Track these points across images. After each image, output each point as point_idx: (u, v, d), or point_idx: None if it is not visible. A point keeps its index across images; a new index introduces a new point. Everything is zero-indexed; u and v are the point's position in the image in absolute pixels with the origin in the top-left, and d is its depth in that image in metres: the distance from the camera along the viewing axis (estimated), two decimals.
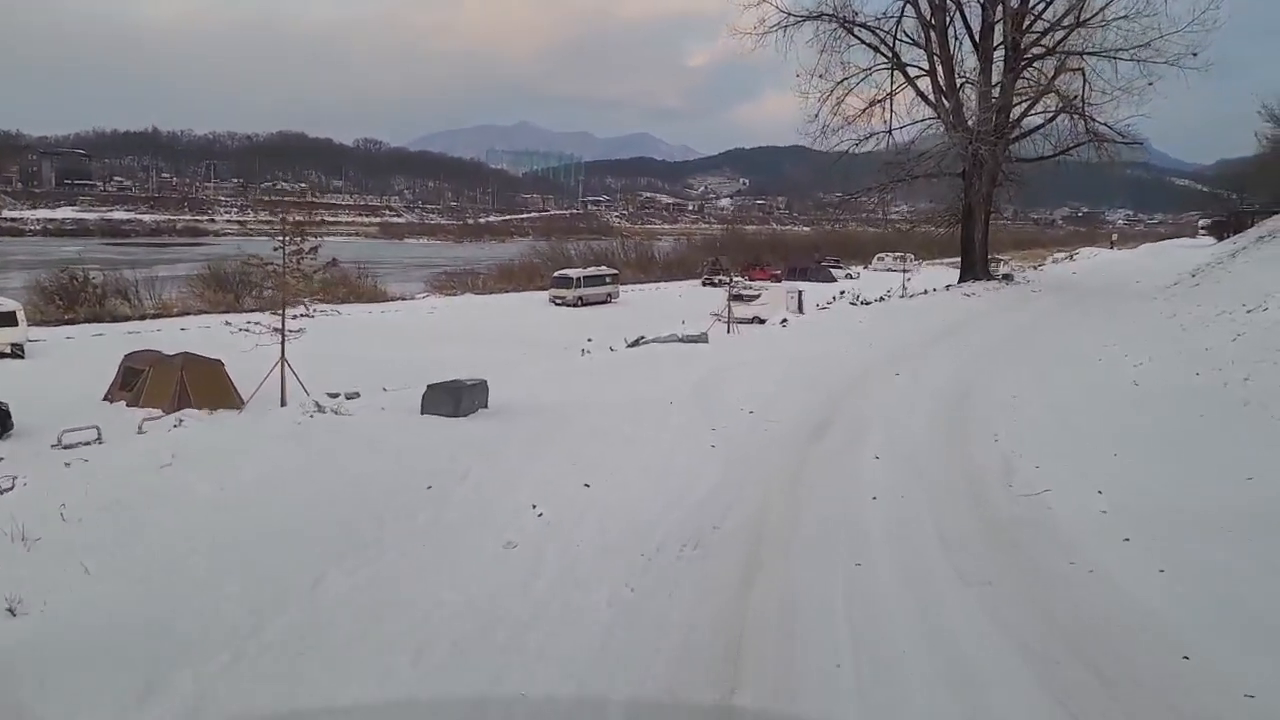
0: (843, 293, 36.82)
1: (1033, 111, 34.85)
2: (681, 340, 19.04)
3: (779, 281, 58.92)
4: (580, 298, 52.92)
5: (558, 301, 52.73)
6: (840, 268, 71.68)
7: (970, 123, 33.78)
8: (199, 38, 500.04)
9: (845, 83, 35.75)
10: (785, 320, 24.40)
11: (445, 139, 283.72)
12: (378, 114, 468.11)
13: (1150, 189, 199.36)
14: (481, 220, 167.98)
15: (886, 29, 35.36)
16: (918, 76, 35.65)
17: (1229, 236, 65.52)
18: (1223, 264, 31.15)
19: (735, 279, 53.74)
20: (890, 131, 36.53)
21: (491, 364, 16.00)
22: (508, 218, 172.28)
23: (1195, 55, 30.82)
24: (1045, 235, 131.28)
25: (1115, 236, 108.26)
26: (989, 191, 35.04)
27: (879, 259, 74.99)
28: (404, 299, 55.30)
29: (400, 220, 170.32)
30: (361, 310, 48.03)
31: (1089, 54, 32.52)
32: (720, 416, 11.66)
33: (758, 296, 44.59)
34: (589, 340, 24.31)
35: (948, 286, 33.43)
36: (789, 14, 35.58)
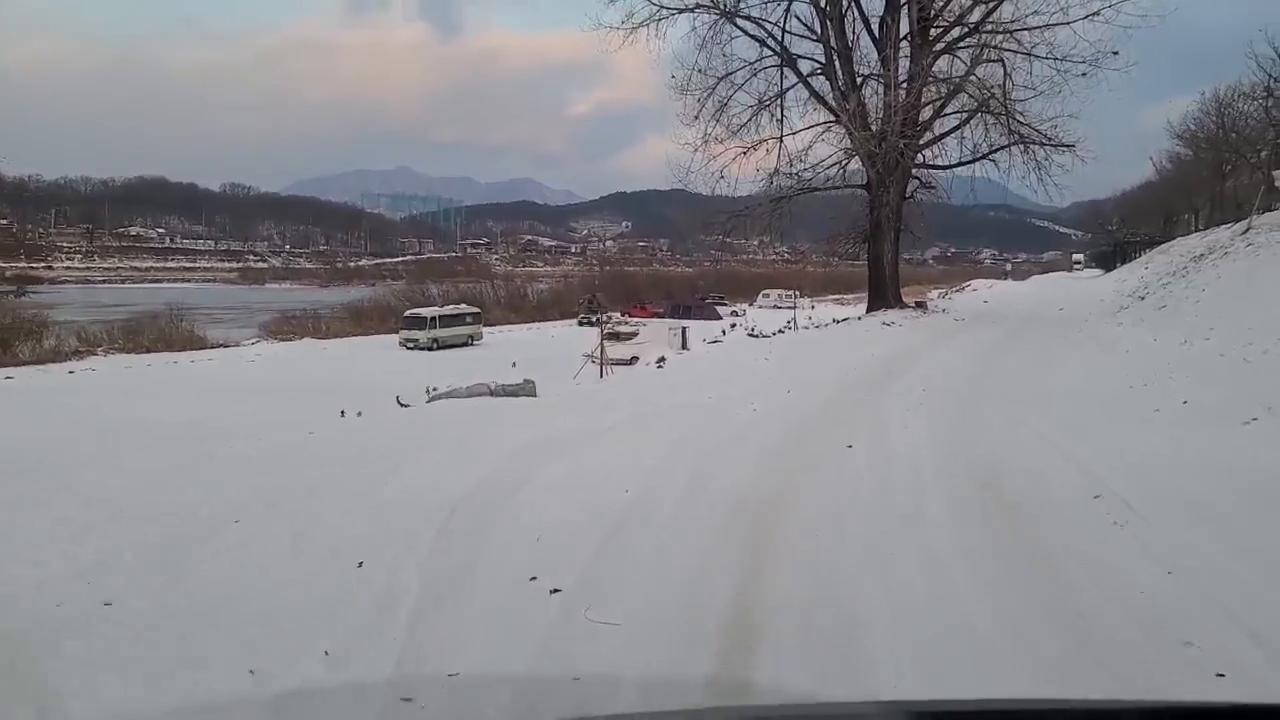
0: (734, 326, 30.57)
1: (947, 112, 29.32)
2: (495, 392, 11.80)
3: (661, 318, 53.86)
4: (435, 340, 45.86)
5: (409, 345, 45.64)
6: (725, 305, 67.45)
7: (874, 125, 27.94)
8: (61, 80, 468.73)
9: (729, 79, 29.63)
10: (663, 360, 17.50)
11: (322, 184, 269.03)
12: (252, 159, 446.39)
13: (1011, 229, 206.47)
14: (353, 264, 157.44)
15: (774, 19, 29.53)
16: (812, 74, 29.78)
17: (1116, 267, 63.89)
18: (1168, 286, 26.22)
19: (611, 316, 48.28)
20: (782, 139, 30.55)
21: (283, 423, 12.42)
22: (380, 261, 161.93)
23: (1116, 54, 25.92)
24: (920, 273, 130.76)
25: (1009, 268, 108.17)
26: (898, 205, 29.29)
27: (764, 296, 70.94)
28: (226, 346, 46.87)
29: (264, 265, 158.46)
30: (167, 359, 40.16)
31: (1005, 50, 27.25)
32: (469, 622, 4.47)
33: (635, 334, 37.94)
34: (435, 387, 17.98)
35: (859, 317, 27.30)
36: (661, 6, 29.33)
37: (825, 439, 9.08)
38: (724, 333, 29.83)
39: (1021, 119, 27.80)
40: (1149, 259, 47.10)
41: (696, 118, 29.92)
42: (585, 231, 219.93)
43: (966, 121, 29.18)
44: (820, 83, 29.86)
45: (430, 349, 44.53)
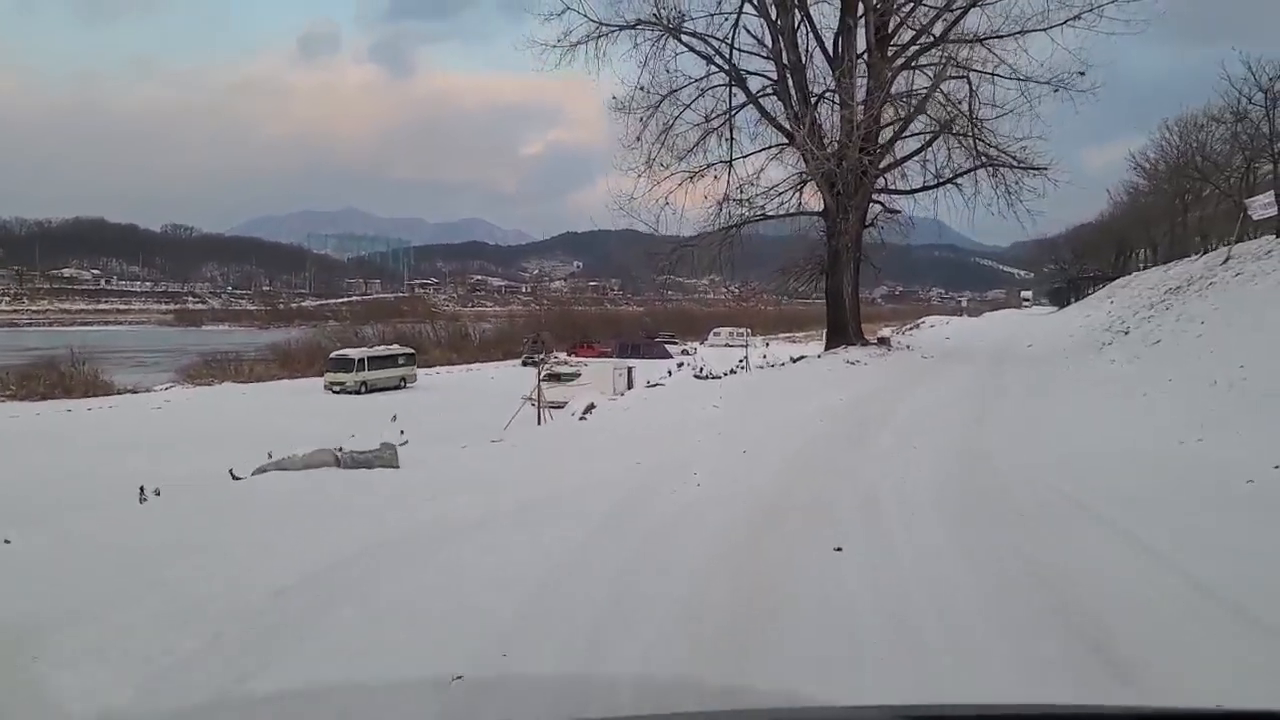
0: (681, 365, 27.54)
1: (908, 133, 26.76)
2: (342, 462, 8.43)
3: (610, 358, 50.71)
4: (364, 383, 42.09)
5: (335, 389, 41.75)
6: (676, 343, 64.57)
7: (831, 146, 25.23)
8: (7, 121, 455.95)
9: (674, 97, 26.84)
10: (590, 409, 14.20)
11: (269, 225, 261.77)
12: (199, 200, 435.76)
13: (956, 268, 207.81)
14: (296, 305, 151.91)
15: (722, 35, 26.87)
16: (763, 94, 27.10)
17: (1070, 303, 62.58)
18: (1151, 320, 23.84)
19: (553, 356, 45.13)
20: (731, 163, 27.73)
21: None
22: (325, 302, 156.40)
23: (1083, 74, 23.65)
24: (871, 311, 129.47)
25: (965, 304, 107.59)
26: (858, 233, 26.58)
27: (715, 334, 68.32)
28: (135, 392, 42.59)
29: (202, 307, 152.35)
30: (63, 407, 35.90)
31: (970, 69, 24.84)
32: None
33: (577, 375, 34.64)
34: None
35: (818, 355, 24.37)
36: (601, 24, 26.52)
37: (798, 541, 5.92)
38: (669, 373, 26.62)
39: (988, 141, 25.36)
40: (1110, 294, 45.36)
41: (638, 139, 26.99)
42: (536, 271, 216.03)
43: (930, 143, 26.64)
44: (772, 103, 27.22)
45: (358, 393, 40.96)
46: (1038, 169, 24.78)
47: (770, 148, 27.79)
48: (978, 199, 26.55)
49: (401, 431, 22.59)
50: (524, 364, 51.06)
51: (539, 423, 20.78)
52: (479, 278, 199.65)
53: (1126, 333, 23.55)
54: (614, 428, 11.53)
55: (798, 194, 27.42)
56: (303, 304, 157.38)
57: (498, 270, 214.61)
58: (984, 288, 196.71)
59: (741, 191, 27.70)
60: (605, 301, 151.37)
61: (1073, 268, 69.17)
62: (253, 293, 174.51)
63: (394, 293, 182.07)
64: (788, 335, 76.33)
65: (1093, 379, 16.77)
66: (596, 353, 58.79)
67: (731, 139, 27.73)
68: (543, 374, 34.51)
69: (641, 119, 26.94)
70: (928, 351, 27.35)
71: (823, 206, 26.77)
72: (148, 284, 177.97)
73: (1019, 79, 24.25)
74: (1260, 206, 27.44)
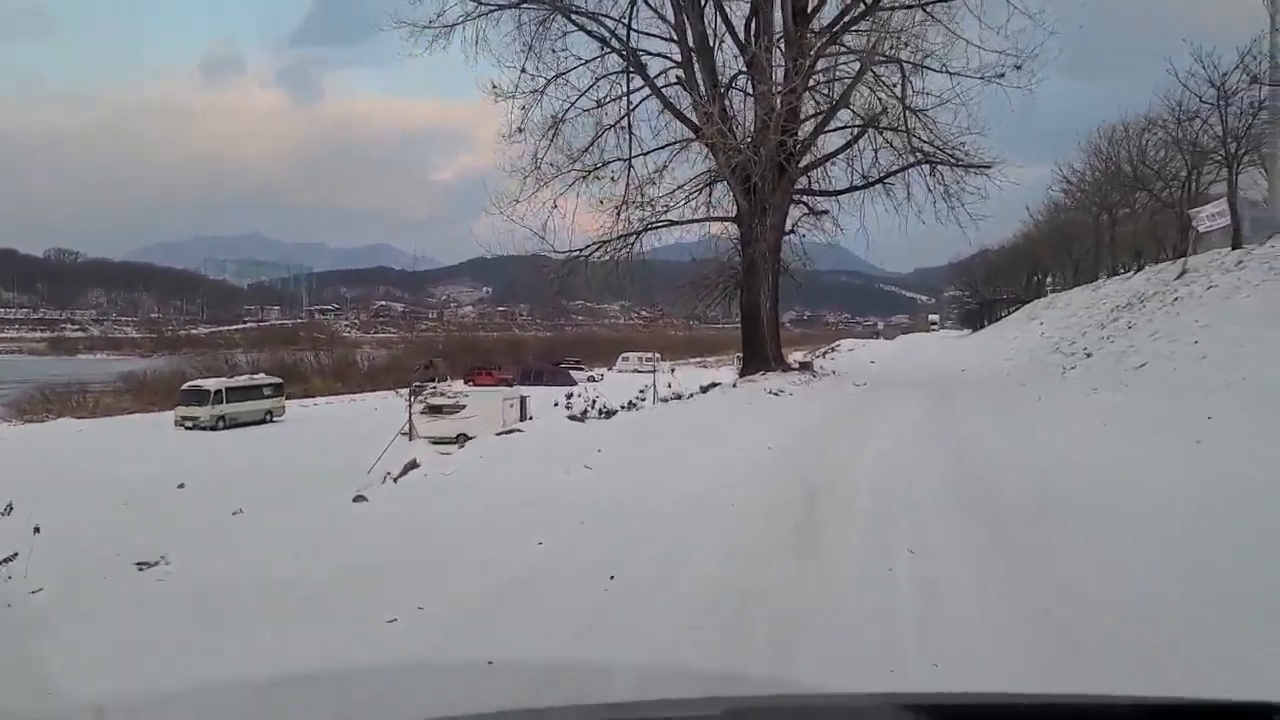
0: (570, 396, 22.84)
1: (833, 126, 22.79)
2: None
3: (509, 386, 46.01)
4: (221, 417, 36.04)
5: (188, 424, 35.66)
6: (582, 369, 60.39)
7: (744, 138, 21.03)
8: None
9: (563, 82, 22.43)
10: (409, 468, 9.39)
11: (166, 250, 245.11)
12: (91, 225, 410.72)
13: (860, 294, 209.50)
14: (184, 332, 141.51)
15: (618, 15, 22.58)
16: (666, 84, 22.83)
17: (983, 326, 60.58)
18: (1113, 341, 20.44)
19: (446, 383, 40.49)
20: (630, 161, 23.33)
21: None
22: (217, 329, 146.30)
23: (1019, 68, 20.08)
24: (781, 335, 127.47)
25: (881, 328, 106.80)
26: (777, 240, 22.46)
27: (623, 359, 64.48)
28: None
29: (80, 334, 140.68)
30: None
31: (900, 59, 21.06)
32: None
33: (461, 408, 29.58)
34: None
35: (733, 383, 19.95)
36: (479, 1, 21.97)
37: None
38: (558, 404, 21.94)
39: (922, 137, 21.60)
40: (1032, 314, 42.83)
41: (520, 130, 22.52)
42: (445, 297, 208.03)
43: (856, 138, 22.74)
44: (676, 93, 22.98)
45: (214, 428, 35.20)
46: (981, 167, 21.10)
47: (675, 143, 23.52)
48: (910, 203, 22.82)
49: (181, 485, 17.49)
50: (413, 393, 45.67)
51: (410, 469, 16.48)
52: (382, 303, 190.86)
53: (1089, 355, 19.99)
54: (412, 514, 6.80)
55: (706, 194, 23.21)
56: (193, 331, 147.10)
57: (404, 296, 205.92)
58: (888, 313, 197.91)
59: (642, 193, 23.35)
60: (514, 327, 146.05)
61: (984, 290, 67.45)
62: (139, 319, 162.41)
63: (293, 319, 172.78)
64: (699, 360, 72.77)
65: (1081, 413, 12.78)
66: (496, 380, 54.52)
67: (631, 134, 23.40)
68: (422, 405, 29.42)
69: (524, 107, 22.51)
70: (857, 377, 23.28)
71: (735, 211, 22.64)
72: (25, 310, 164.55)
73: (949, 72, 20.69)
74: (1207, 217, 24.45)
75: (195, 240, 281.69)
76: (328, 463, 18.04)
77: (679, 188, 23.25)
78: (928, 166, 21.63)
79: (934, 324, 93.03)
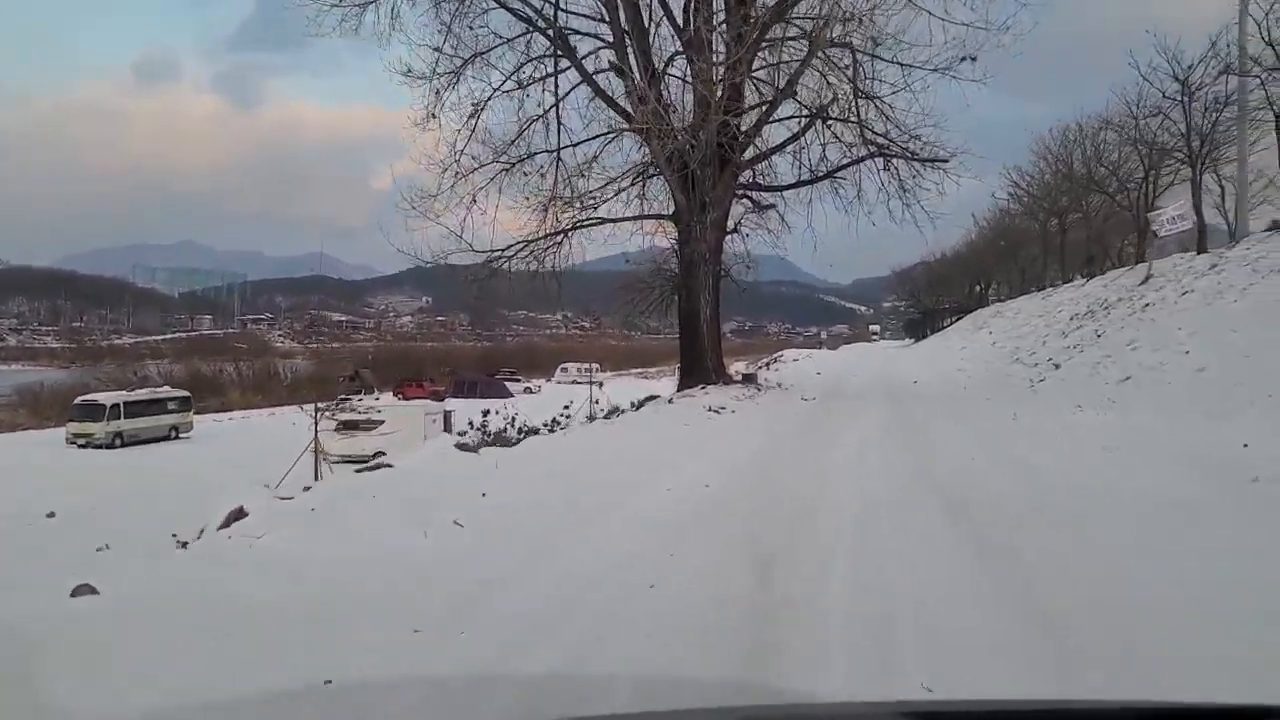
0: (486, 414, 20.15)
1: (779, 116, 20.62)
2: None
3: (441, 399, 43.30)
4: (119, 435, 32.61)
5: (80, 442, 32.20)
6: (518, 380, 57.92)
7: (683, 127, 18.71)
8: None
9: (484, 64, 19.93)
10: (234, 517, 6.84)
11: (97, 258, 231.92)
12: (15, 230, 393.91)
13: (800, 304, 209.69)
14: (107, 343, 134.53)
15: None
16: (597, 69, 20.42)
17: (926, 335, 59.40)
18: (1083, 351, 18.56)
19: (361, 397, 37.68)
20: (559, 152, 20.85)
21: None
22: (142, 339, 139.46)
23: (974, 60, 18.19)
24: (723, 345, 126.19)
25: (824, 338, 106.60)
26: (718, 240, 20.23)
27: (562, 370, 62.34)
28: None
29: None
30: None
31: (839, 44, 19.00)
32: None
33: (379, 423, 26.84)
34: None
35: (669, 398, 17.54)
36: None
37: None
38: (486, 419, 19.35)
39: (877, 129, 19.56)
40: (979, 323, 41.35)
41: (433, 116, 19.94)
42: (384, 306, 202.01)
43: (805, 130, 20.59)
44: (609, 80, 20.61)
45: (111, 446, 31.86)
46: (939, 161, 19.10)
47: (608, 133, 21.17)
48: (860, 202, 20.78)
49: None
50: (337, 406, 42.46)
51: (316, 477, 14.52)
52: (317, 313, 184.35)
53: (1057, 366, 18.09)
54: (141, 627, 4.29)
55: (641, 189, 20.90)
56: (118, 341, 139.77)
57: (340, 305, 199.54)
58: (828, 323, 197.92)
59: (571, 188, 20.91)
60: (453, 337, 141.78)
61: (926, 299, 66.45)
62: (62, 329, 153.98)
63: (225, 329, 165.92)
64: (640, 371, 70.71)
65: (1072, 437, 10.69)
66: (426, 392, 51.93)
67: (560, 123, 20.94)
68: (335, 421, 26.59)
69: (439, 90, 19.94)
70: (805, 390, 21.09)
71: (673, 207, 20.36)
72: None
73: (900, 64, 18.70)
74: (1168, 220, 22.95)
75: (127, 248, 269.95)
76: (223, 486, 15.30)
77: (611, 181, 20.90)
78: (881, 160, 19.59)
79: (875, 334, 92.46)
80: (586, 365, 61.34)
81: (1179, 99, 21.67)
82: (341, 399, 38.88)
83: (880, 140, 19.50)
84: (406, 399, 47.17)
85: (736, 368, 30.86)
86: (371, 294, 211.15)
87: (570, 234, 21.35)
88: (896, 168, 19.48)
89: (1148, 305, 18.71)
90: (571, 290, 24.32)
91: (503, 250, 21.08)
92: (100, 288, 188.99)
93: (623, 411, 15.61)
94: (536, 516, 6.74)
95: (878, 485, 8.37)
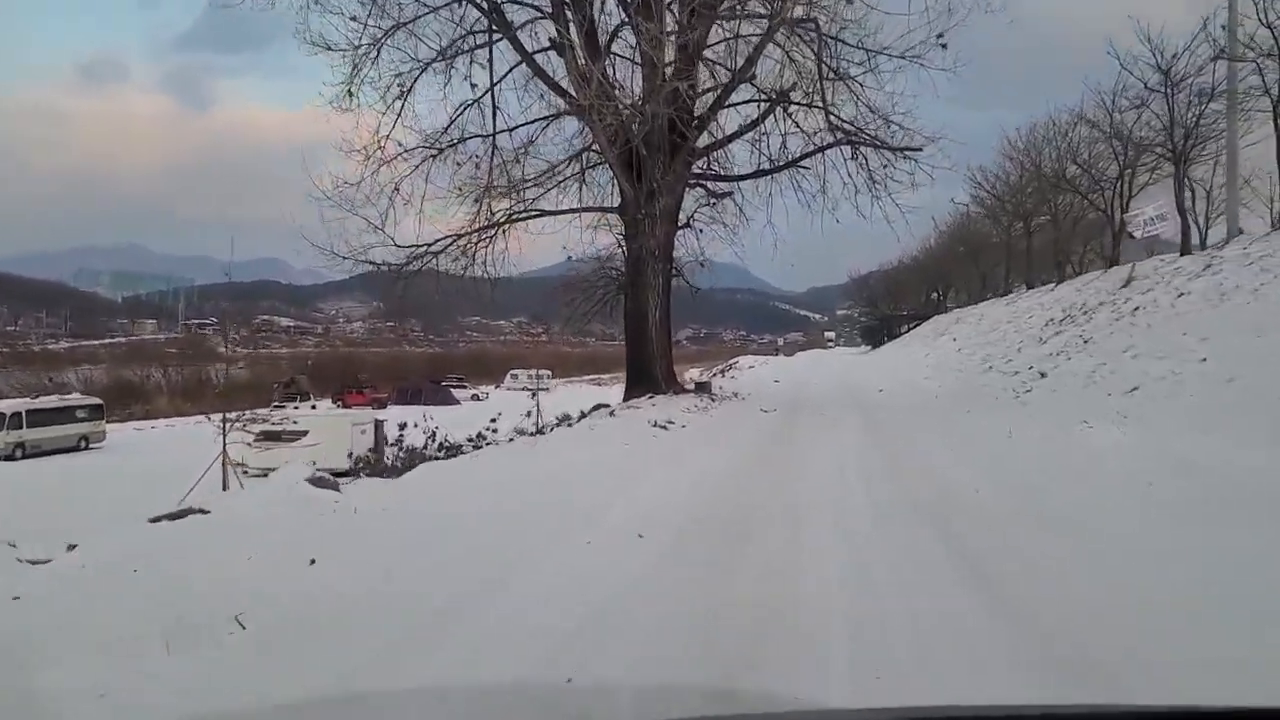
0: (405, 426, 17.69)
1: (736, 100, 18.49)
2: None
3: (383, 406, 40.81)
4: (20, 445, 29.83)
5: None
6: (465, 387, 55.67)
7: (627, 111, 16.49)
8: None
9: (405, 33, 17.47)
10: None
11: (40, 262, 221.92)
12: None
13: (755, 311, 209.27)
14: (40, 348, 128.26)
15: None
16: (534, 45, 18.12)
17: (884, 342, 57.94)
18: (1070, 360, 16.72)
19: (298, 404, 35.43)
20: (494, 137, 18.44)
21: None
22: (79, 344, 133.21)
23: (945, 46, 16.32)
24: (676, 352, 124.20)
25: (781, 344, 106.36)
26: (669, 235, 18.04)
27: (512, 376, 60.25)
28: None
29: None
30: None
31: (802, 21, 17.00)
32: None
33: (302, 435, 24.01)
34: None
35: (610, 410, 15.30)
36: None
37: None
38: (390, 439, 16.88)
39: (844, 115, 17.53)
40: (941, 330, 39.77)
41: (350, 94, 17.43)
42: (334, 312, 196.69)
43: (765, 115, 18.46)
44: (549, 60, 18.30)
45: (11, 457, 29.03)
46: (911, 150, 17.12)
47: (548, 117, 18.87)
48: (824, 196, 18.74)
49: None
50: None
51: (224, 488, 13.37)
52: (265, 318, 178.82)
53: (1043, 375, 16.19)
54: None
55: (581, 175, 18.62)
56: (54, 346, 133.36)
57: (290, 310, 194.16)
58: (783, 330, 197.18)
59: (507, 176, 18.53)
60: (404, 343, 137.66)
61: (884, 306, 65.18)
62: None
63: (168, 333, 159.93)
64: (594, 377, 68.41)
65: (1107, 468, 8.62)
66: (368, 399, 49.70)
67: (495, 106, 18.54)
68: (256, 431, 23.86)
69: (355, 63, 17.44)
70: (763, 401, 18.96)
71: (621, 198, 18.13)
72: None
73: (866, 50, 16.75)
74: (1146, 221, 21.33)
75: (70, 251, 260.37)
76: (121, 503, 12.68)
77: (551, 169, 18.60)
78: (849, 149, 17.57)
79: (831, 341, 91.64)
80: (537, 372, 59.06)
81: (1161, 89, 20.02)
82: (275, 406, 35.98)
83: (847, 127, 17.48)
84: (347, 406, 44.56)
85: (689, 375, 28.76)
86: (322, 299, 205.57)
87: (506, 228, 19.05)
88: (865, 157, 17.48)
89: (1136, 309, 16.93)
90: (522, 296, 22.08)
91: (428, 245, 18.69)
92: (39, 291, 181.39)
93: (554, 427, 13.35)
94: (367, 612, 4.37)
95: (861, 529, 6.17)
